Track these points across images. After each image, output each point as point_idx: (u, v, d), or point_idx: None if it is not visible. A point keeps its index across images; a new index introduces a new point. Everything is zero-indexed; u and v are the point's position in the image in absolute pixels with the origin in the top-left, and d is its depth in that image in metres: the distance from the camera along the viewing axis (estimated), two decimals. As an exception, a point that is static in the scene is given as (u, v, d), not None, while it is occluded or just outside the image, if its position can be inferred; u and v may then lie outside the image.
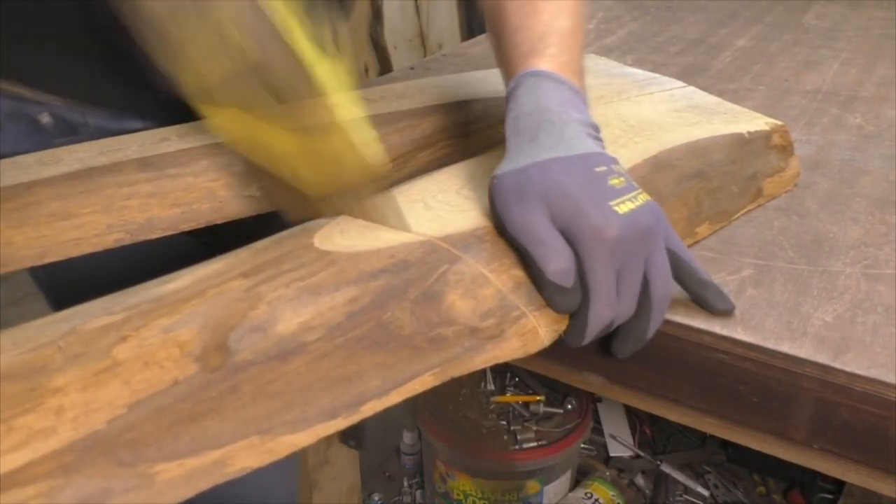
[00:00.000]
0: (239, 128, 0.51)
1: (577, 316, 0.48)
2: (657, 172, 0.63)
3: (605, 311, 0.47)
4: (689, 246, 0.62)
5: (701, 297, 0.53)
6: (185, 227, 0.59)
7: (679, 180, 0.63)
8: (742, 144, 0.71)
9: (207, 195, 0.60)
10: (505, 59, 0.59)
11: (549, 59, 0.55)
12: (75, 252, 0.55)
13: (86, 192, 0.56)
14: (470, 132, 0.71)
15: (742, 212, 0.68)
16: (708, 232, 0.64)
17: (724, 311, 0.53)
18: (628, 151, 0.65)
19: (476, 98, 0.76)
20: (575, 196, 0.47)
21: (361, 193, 0.51)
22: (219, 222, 0.61)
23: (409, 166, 0.68)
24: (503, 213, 0.49)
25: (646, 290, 0.48)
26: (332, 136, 0.48)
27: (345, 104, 0.48)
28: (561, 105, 0.53)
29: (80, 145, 0.62)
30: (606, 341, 0.51)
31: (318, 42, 0.47)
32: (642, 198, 0.49)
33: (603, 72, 0.91)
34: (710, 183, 0.65)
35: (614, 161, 0.51)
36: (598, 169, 0.49)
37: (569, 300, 0.47)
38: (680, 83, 0.88)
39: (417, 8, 2.57)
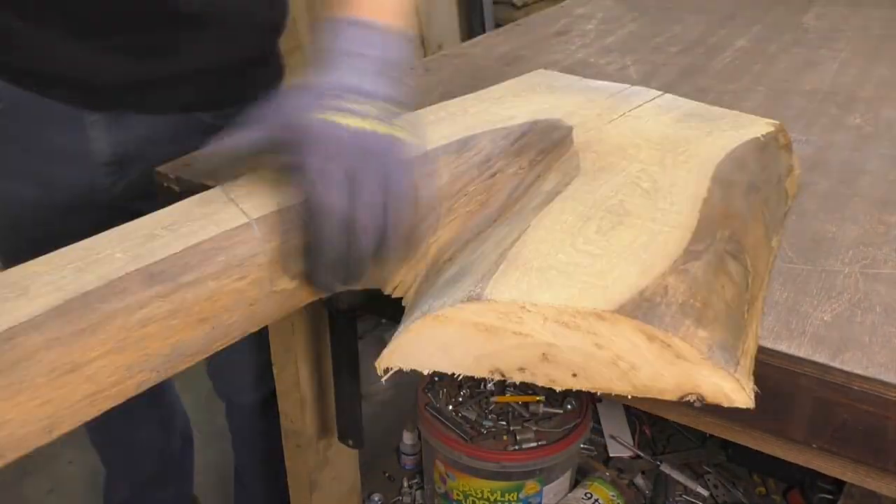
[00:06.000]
0: None
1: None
2: (724, 192, 0.58)
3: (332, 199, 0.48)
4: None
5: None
6: (218, 346, 0.49)
7: (744, 196, 0.59)
8: (762, 148, 0.69)
9: (237, 300, 0.48)
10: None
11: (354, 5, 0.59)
12: (93, 413, 0.43)
13: (89, 328, 0.41)
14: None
15: (785, 219, 0.65)
16: (777, 246, 0.61)
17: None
18: (686, 173, 0.60)
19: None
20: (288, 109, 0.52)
21: None
22: (253, 331, 0.51)
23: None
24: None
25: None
26: None
27: None
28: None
29: (37, 262, 0.45)
30: None
31: None
32: (383, 128, 0.51)
33: (568, 88, 0.82)
34: (761, 193, 0.62)
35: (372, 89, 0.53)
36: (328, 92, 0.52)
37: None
38: (656, 91, 0.82)
39: (417, 8, 2.58)
